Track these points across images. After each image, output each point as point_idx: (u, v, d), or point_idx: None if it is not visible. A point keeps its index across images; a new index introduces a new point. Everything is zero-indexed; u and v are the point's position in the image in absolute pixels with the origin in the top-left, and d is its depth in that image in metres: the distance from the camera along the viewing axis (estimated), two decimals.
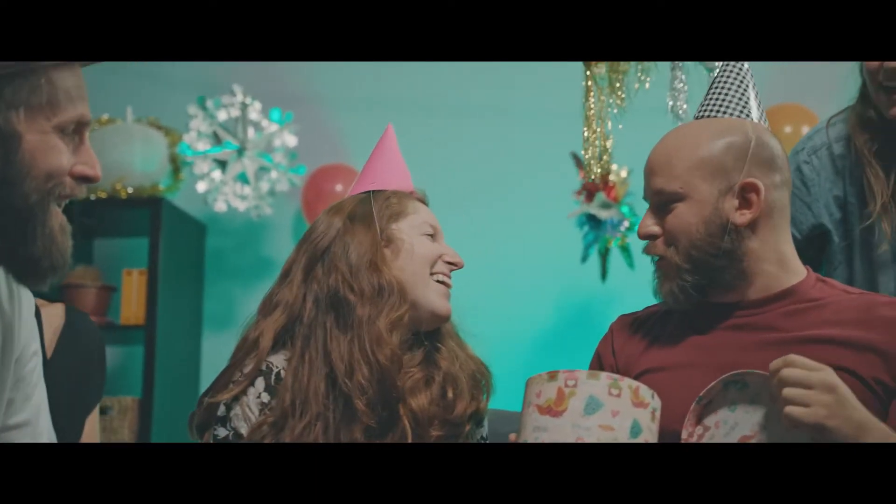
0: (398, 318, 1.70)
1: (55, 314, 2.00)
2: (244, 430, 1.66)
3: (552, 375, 1.40)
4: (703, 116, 1.70)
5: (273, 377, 1.70)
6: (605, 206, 3.14)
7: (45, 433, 1.57)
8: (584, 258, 3.23)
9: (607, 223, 3.13)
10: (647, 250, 1.69)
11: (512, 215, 3.52)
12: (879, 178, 2.00)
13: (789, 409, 1.41)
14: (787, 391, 1.41)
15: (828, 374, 1.42)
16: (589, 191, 3.17)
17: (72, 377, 1.96)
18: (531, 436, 1.39)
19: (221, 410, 1.68)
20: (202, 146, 3.38)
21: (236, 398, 1.69)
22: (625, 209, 3.15)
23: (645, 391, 1.41)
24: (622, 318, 1.81)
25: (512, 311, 3.35)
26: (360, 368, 1.67)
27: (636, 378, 1.70)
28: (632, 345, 1.74)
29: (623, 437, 1.36)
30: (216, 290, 3.74)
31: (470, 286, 3.30)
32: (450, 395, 1.73)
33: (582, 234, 3.21)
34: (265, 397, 1.69)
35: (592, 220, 3.17)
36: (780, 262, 1.66)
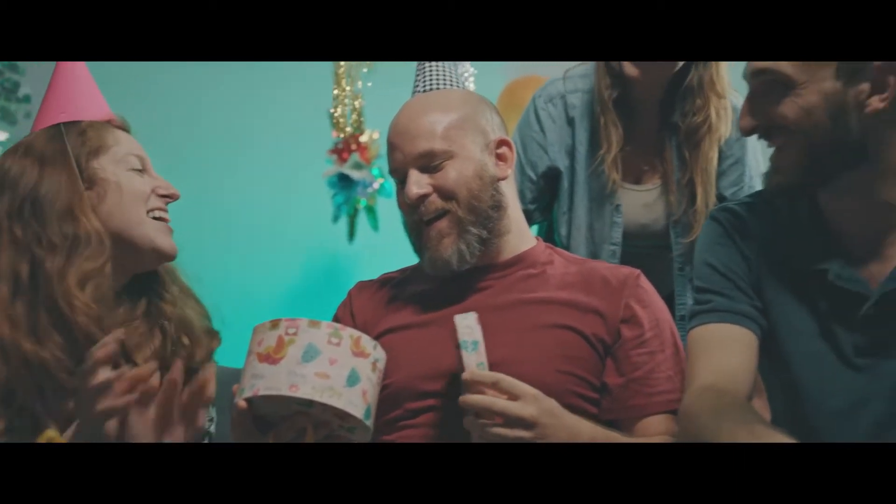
0: (94, 271, 1.50)
1: None
2: None
3: (275, 324, 1.38)
4: (426, 90, 1.75)
5: None
6: (358, 166, 3.15)
7: None
8: (336, 218, 3.23)
9: (358, 184, 3.14)
10: (426, 212, 1.67)
11: (267, 172, 3.45)
12: (616, 127, 2.13)
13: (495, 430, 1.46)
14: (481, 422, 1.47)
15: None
16: (342, 151, 3.16)
17: None
18: (248, 384, 1.36)
19: None
20: None
21: None
22: (375, 171, 3.17)
23: (367, 341, 1.40)
24: (360, 283, 1.83)
25: (257, 267, 3.31)
26: (51, 338, 1.47)
27: (377, 338, 1.72)
28: (371, 306, 1.77)
29: (339, 385, 1.35)
30: None
31: (217, 238, 3.25)
32: (185, 341, 1.61)
33: (332, 195, 3.21)
34: None
35: (344, 181, 3.17)
36: (518, 226, 1.76)
